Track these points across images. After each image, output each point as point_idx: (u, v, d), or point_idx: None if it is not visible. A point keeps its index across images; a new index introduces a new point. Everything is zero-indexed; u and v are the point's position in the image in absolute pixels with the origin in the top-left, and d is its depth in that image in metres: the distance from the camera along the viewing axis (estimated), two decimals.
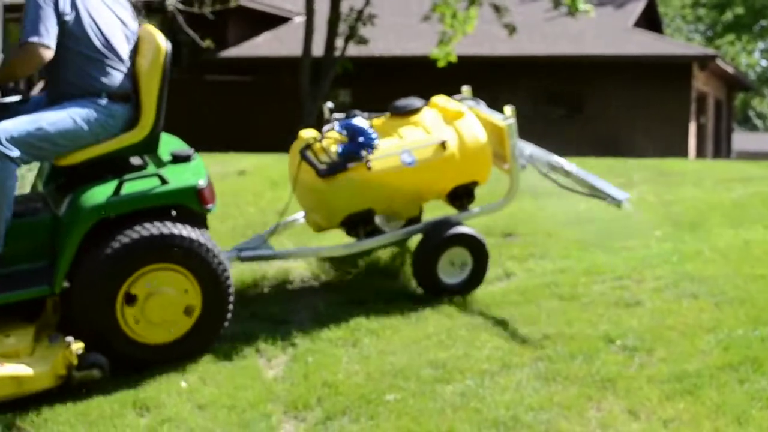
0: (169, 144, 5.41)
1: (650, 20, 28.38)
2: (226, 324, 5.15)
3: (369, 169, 5.68)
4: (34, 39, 4.71)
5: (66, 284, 4.86)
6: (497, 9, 20.42)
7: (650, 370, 4.79)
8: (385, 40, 23.09)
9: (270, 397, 4.72)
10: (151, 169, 5.10)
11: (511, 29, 20.30)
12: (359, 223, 5.85)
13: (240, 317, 5.78)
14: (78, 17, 4.88)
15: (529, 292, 6.04)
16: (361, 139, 5.74)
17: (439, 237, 5.86)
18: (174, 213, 5.01)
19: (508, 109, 6.04)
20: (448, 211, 6.46)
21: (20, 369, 4.58)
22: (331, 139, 5.89)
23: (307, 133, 6.06)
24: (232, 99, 23.24)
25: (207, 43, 18.65)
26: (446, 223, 5.96)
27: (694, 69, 23.17)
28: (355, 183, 5.69)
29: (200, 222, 5.11)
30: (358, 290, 6.15)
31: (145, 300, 4.88)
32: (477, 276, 5.96)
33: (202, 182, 5.01)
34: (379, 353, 5.17)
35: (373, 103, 22.12)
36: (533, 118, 22.51)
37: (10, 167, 4.69)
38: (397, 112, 6.09)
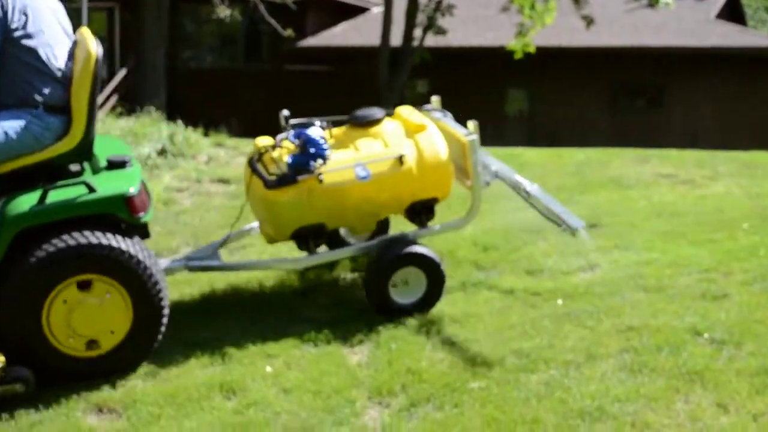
0: (111, 148, 5.28)
1: (733, 12, 27.83)
2: (160, 336, 4.92)
3: (320, 182, 5.40)
4: None
5: None
6: (576, 0, 20.23)
7: (739, 363, 4.71)
8: (463, 30, 23.00)
9: (354, 382, 4.75)
10: (87, 176, 4.90)
11: (589, 21, 20.12)
12: (310, 237, 5.59)
13: (323, 305, 5.84)
14: (25, 26, 4.71)
15: (613, 283, 5.98)
16: (312, 150, 5.45)
17: (391, 256, 5.54)
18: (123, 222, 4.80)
19: (471, 124, 5.79)
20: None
21: None
22: (284, 149, 5.61)
23: (262, 141, 5.80)
24: (311, 89, 23.32)
25: (288, 33, 18.74)
26: (400, 241, 5.64)
27: None
28: (304, 196, 5.41)
29: (135, 231, 4.86)
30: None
31: (71, 312, 4.65)
32: (431, 297, 5.61)
33: (132, 190, 4.75)
34: (463, 342, 5.16)
35: (451, 93, 22.12)
36: (613, 111, 22.34)
37: None
38: (356, 123, 5.76)
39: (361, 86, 22.57)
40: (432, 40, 21.60)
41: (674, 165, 10.08)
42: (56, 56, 4.81)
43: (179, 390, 4.68)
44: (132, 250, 4.69)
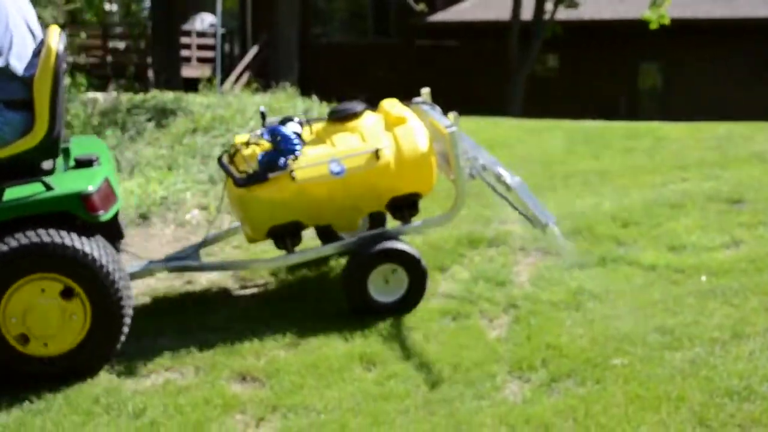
0: (92, 147, 5.26)
1: None
2: (123, 336, 4.78)
3: (293, 179, 5.25)
4: None
5: None
6: None
7: None
8: (595, 3, 22.59)
9: (494, 357, 4.73)
10: (56, 174, 4.86)
11: None
12: (286, 236, 5.44)
13: (461, 279, 5.83)
14: None
15: (759, 260, 5.79)
16: (283, 147, 5.32)
17: (368, 252, 5.31)
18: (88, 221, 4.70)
19: (452, 116, 5.58)
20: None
21: None
22: (258, 146, 5.47)
23: (240, 138, 5.66)
24: (441, 64, 23.27)
25: (421, 7, 18.73)
26: (379, 238, 5.39)
27: None
28: (275, 194, 5.26)
29: (97, 230, 4.75)
30: (580, 255, 6.06)
31: (27, 311, 4.57)
32: (413, 295, 5.36)
33: (91, 188, 4.63)
34: (603, 318, 5.09)
35: (582, 68, 21.84)
36: (751, 84, 21.60)
37: None
38: (335, 118, 5.57)
39: (491, 62, 22.44)
40: (563, 14, 21.30)
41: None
42: (21, 55, 4.70)
43: (320, 360, 4.75)
44: (87, 249, 4.59)
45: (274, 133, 5.37)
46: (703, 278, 5.58)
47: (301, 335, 5.07)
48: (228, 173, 5.38)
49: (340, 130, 5.51)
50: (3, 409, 4.43)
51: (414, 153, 5.42)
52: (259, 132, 5.49)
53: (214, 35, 22.90)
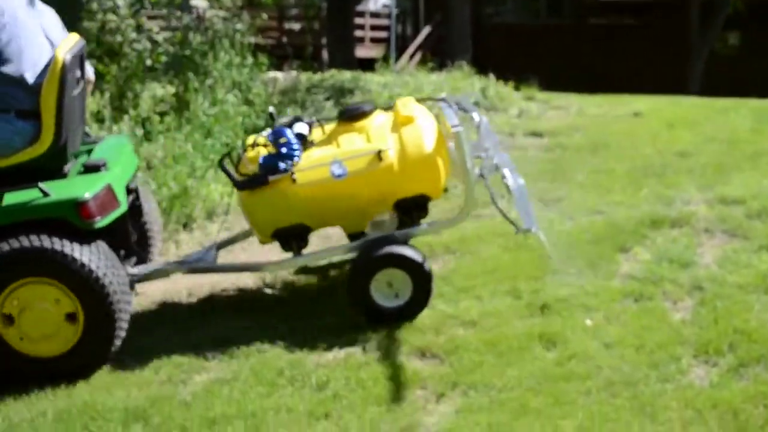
0: (115, 150, 5.27)
1: None
2: (118, 340, 4.77)
3: (294, 181, 5.12)
4: None
5: None
6: None
7: None
8: None
9: (678, 339, 4.61)
10: (67, 179, 4.89)
11: None
12: (291, 238, 5.30)
13: (643, 259, 5.71)
14: (5, 34, 4.66)
15: None
16: (283, 150, 5.18)
17: (371, 256, 5.10)
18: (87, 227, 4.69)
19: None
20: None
21: None
22: (263, 148, 5.33)
23: (250, 139, 5.52)
24: (616, 44, 22.77)
25: None
26: (384, 242, 5.16)
27: None
28: (276, 197, 5.15)
29: (97, 236, 4.75)
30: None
31: (21, 314, 4.63)
32: (418, 300, 5.11)
33: (87, 195, 4.64)
34: None
35: (765, 47, 20.95)
36: None
37: None
38: (344, 118, 5.40)
39: (669, 40, 21.82)
40: None
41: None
42: (32, 64, 4.73)
43: (500, 339, 4.74)
44: (78, 255, 4.61)
45: (277, 135, 5.29)
46: None
47: (478, 313, 5.07)
48: (228, 175, 5.33)
49: (349, 130, 5.36)
50: (192, 379, 4.61)
51: (418, 154, 5.20)
52: (266, 133, 5.42)
53: (387, 15, 23.07)
